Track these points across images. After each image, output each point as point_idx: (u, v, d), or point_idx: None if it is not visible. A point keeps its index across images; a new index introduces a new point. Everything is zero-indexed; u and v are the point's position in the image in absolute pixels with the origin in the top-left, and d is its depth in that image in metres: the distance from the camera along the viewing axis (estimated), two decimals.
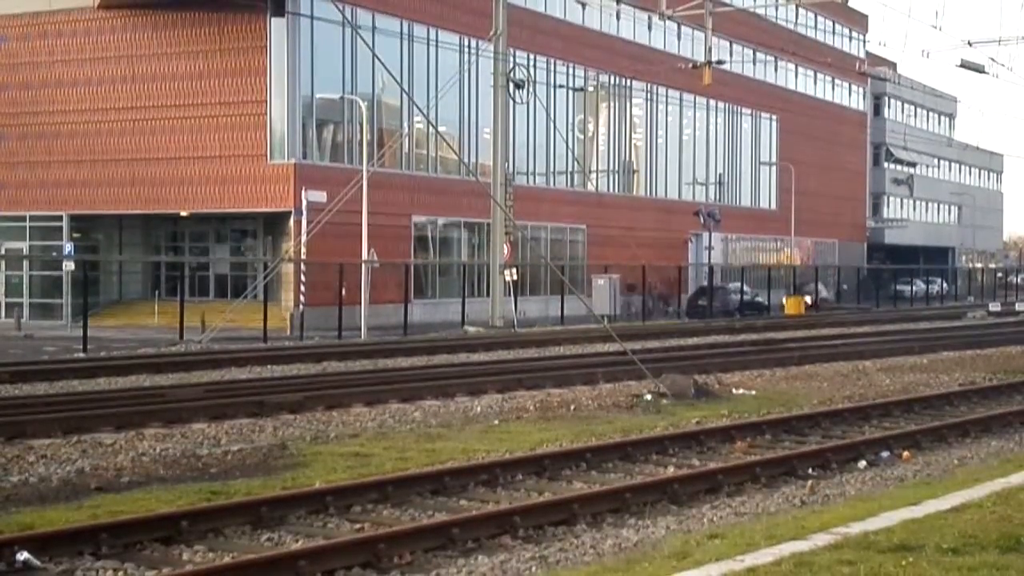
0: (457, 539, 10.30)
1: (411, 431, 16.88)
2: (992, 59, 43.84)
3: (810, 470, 14.07)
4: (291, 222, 42.58)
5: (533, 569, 9.58)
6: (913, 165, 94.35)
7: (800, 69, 74.75)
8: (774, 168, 72.37)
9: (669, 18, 41.09)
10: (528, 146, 53.91)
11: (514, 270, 43.45)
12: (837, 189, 79.07)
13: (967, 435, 17.04)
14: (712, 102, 65.28)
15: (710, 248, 58.14)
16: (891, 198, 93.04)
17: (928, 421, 18.25)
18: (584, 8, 57.72)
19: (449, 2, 49.36)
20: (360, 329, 37.60)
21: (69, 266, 40.91)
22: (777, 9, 64.52)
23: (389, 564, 9.71)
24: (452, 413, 18.70)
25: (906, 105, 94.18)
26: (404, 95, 44.49)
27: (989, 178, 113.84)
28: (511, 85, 42.11)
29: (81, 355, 29.09)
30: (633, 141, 62.34)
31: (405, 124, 48.34)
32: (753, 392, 21.84)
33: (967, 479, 12.75)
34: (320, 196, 39.51)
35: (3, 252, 47.69)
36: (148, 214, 47.22)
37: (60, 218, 47.18)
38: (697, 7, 38.98)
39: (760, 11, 64.07)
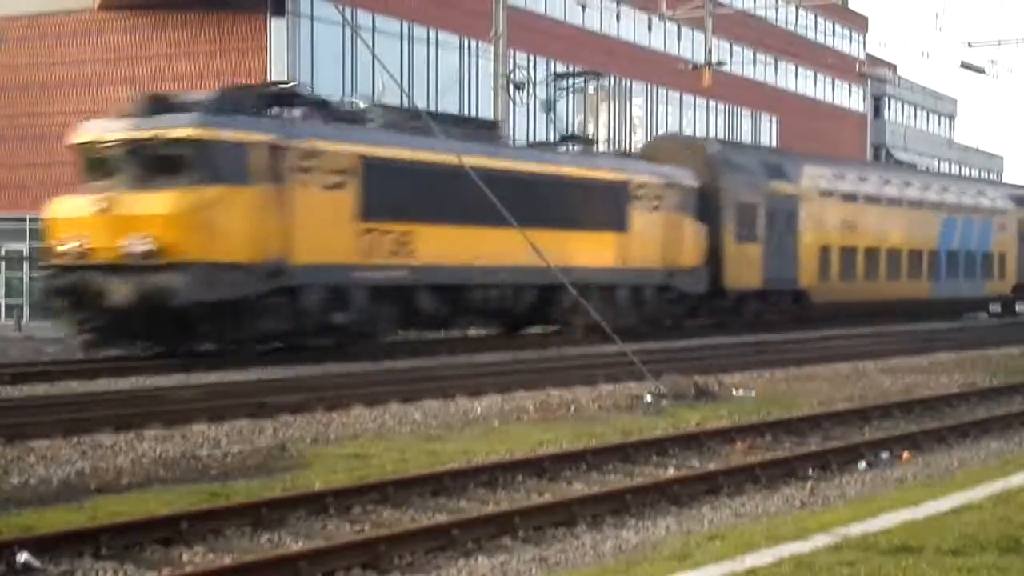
0: (457, 540, 10.29)
1: (411, 432, 16.86)
2: (992, 61, 43.90)
3: (810, 471, 14.06)
4: None
5: (533, 570, 9.58)
6: (913, 166, 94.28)
7: (800, 70, 74.73)
8: None
9: (669, 19, 41.22)
10: None
11: None
12: None
13: (967, 436, 17.02)
14: (712, 103, 65.27)
15: None
16: None
17: (928, 422, 18.23)
18: (584, 9, 57.69)
19: (449, 3, 49.34)
20: None
21: None
22: (777, 10, 64.49)
23: (389, 565, 9.72)
24: (452, 414, 18.68)
25: (906, 106, 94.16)
26: (404, 96, 44.50)
27: (989, 179, 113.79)
28: (511, 86, 42.11)
29: (81, 356, 29.03)
30: (633, 141, 62.31)
31: None
32: (753, 393, 21.80)
33: (967, 480, 12.75)
34: None
35: (3, 253, 47.68)
36: None
37: None
38: (697, 8, 39.08)
39: (760, 12, 64.06)
